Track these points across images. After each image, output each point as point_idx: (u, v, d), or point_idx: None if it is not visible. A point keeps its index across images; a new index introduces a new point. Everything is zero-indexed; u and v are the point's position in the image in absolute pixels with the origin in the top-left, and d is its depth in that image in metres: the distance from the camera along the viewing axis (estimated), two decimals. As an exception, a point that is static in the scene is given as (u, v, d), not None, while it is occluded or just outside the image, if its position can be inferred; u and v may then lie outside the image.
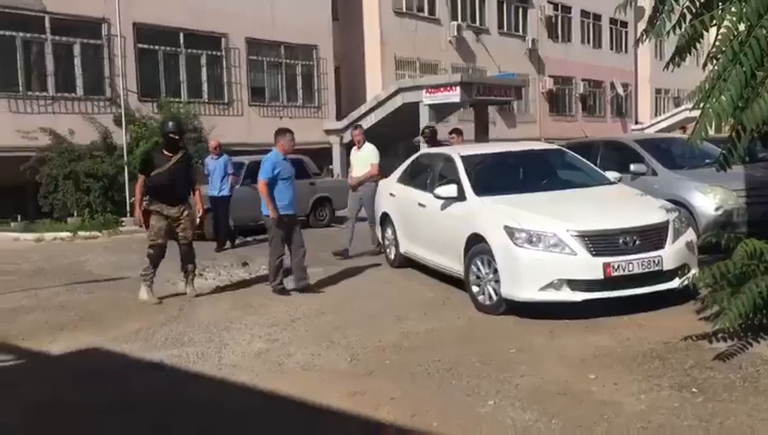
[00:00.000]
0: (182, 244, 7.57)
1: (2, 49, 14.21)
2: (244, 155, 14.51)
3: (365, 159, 9.93)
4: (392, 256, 8.98)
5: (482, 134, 20.74)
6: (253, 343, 5.75)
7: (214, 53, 18.00)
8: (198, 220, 7.77)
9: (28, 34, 14.59)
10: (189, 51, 17.45)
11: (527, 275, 6.14)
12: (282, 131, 7.83)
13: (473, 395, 4.50)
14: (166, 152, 7.44)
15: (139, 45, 16.28)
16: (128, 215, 13.80)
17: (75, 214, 14.05)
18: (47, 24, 14.78)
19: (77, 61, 15.35)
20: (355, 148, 10.22)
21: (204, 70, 17.83)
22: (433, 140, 11.05)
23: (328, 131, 20.35)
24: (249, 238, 12.36)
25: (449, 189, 7.27)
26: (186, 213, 7.51)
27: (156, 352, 5.58)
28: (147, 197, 7.40)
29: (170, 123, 7.70)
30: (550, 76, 30.51)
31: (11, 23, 14.22)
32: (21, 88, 14.45)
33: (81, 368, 5.34)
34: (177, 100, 16.49)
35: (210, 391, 4.77)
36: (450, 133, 10.78)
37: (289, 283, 7.73)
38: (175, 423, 4.25)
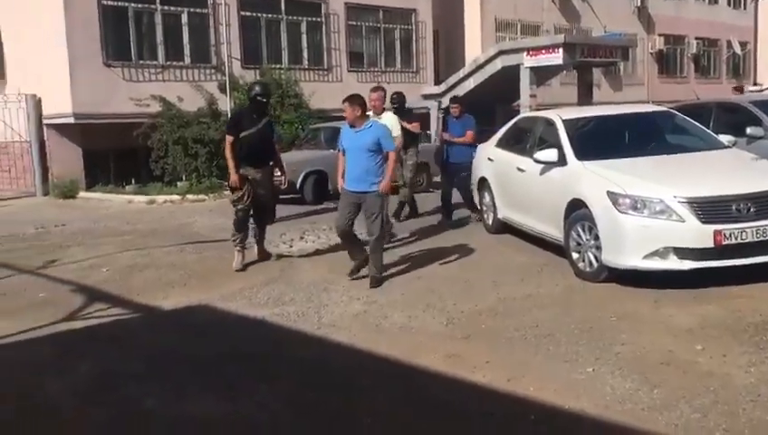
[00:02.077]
0: (262, 202, 7.47)
1: (115, 20, 14.85)
2: (343, 121, 14.69)
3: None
4: (490, 222, 8.90)
5: (585, 97, 20.04)
6: (351, 305, 5.87)
7: (314, 19, 18.16)
8: (285, 184, 7.88)
9: (139, 5, 15.16)
10: (290, 17, 17.66)
11: (631, 243, 5.95)
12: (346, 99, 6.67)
13: (570, 362, 4.44)
14: (254, 116, 7.37)
15: (242, 13, 16.61)
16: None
17: (184, 178, 14.66)
18: (156, -4, 15.34)
19: (184, 30, 15.85)
20: (370, 115, 7.57)
21: (304, 36, 18.02)
22: (401, 109, 9.87)
23: (426, 96, 20.18)
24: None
25: (549, 154, 7.10)
26: (267, 176, 7.48)
27: (259, 310, 5.79)
28: None
29: (257, 86, 7.57)
30: (660, 35, 28.98)
31: (122, -6, 14.85)
32: (133, 57, 15.08)
33: (191, 322, 5.62)
34: (278, 66, 16.79)
35: (310, 348, 4.92)
36: (452, 102, 9.99)
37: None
38: (280, 375, 4.42)
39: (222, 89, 15.76)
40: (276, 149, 7.78)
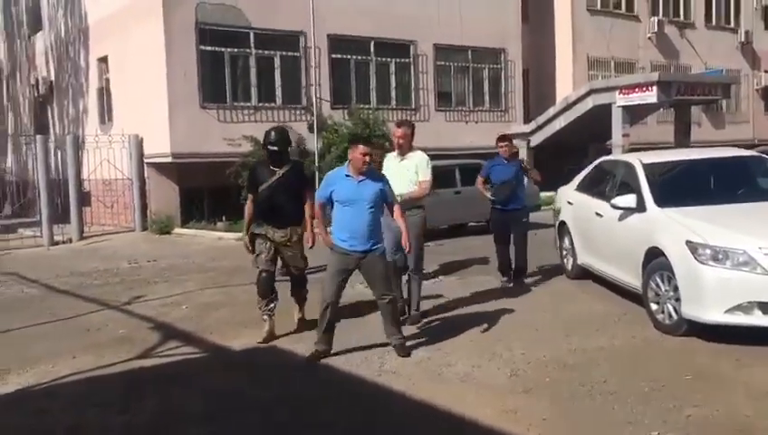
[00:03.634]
0: (293, 272, 6.60)
1: (212, 64, 15.59)
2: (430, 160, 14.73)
3: (410, 172, 6.63)
4: (569, 267, 8.64)
5: (683, 136, 19.33)
6: (416, 351, 5.79)
7: (402, 60, 18.42)
8: (310, 243, 6.37)
9: (235, 50, 15.87)
10: (379, 59, 17.99)
11: (712, 296, 5.63)
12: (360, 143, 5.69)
13: (634, 423, 4.21)
14: (271, 166, 6.37)
15: (333, 55, 17.07)
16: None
17: (272, 216, 15.04)
18: (252, 40, 15.99)
19: (277, 72, 16.45)
20: (394, 154, 6.79)
21: (392, 77, 18.30)
22: None
23: (514, 135, 20.01)
24: (429, 244, 12.47)
25: (628, 199, 6.86)
26: (295, 238, 6.38)
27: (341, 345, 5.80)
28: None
29: (272, 133, 6.39)
30: (766, 71, 27.67)
31: (221, 39, 15.56)
32: (228, 99, 15.76)
33: (256, 364, 5.70)
34: (366, 106, 17.10)
35: (367, 395, 4.89)
36: (500, 141, 8.48)
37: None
38: (333, 421, 4.40)
39: (311, 129, 16.18)
40: (308, 204, 6.40)
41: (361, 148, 5.57)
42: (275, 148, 6.34)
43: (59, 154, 17.12)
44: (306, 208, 6.41)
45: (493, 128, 19.07)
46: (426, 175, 6.63)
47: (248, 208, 6.48)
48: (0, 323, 7.31)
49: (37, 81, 20.72)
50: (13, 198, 21.69)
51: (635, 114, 18.38)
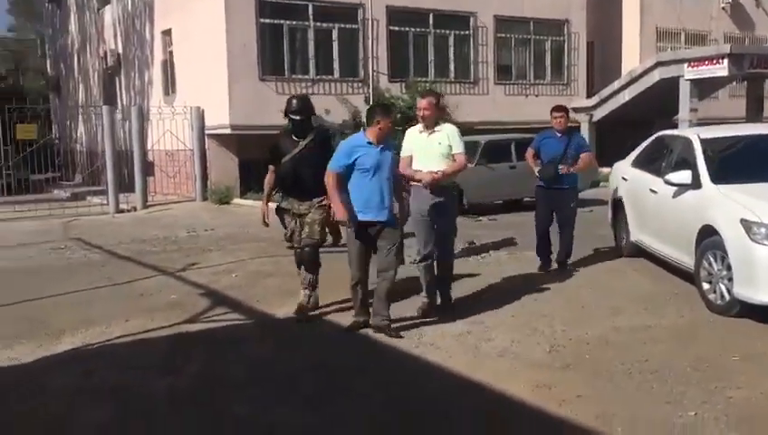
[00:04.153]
0: (304, 244, 6.14)
1: (271, 37, 15.73)
2: (487, 134, 14.59)
3: (442, 146, 5.93)
4: (622, 245, 8.45)
5: (755, 112, 18.55)
6: (455, 325, 5.79)
7: (462, 32, 18.16)
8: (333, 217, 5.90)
9: (293, 22, 15.97)
10: (438, 31, 17.79)
11: (765, 276, 5.43)
12: (378, 111, 5.68)
13: (673, 403, 4.12)
14: (294, 137, 6.14)
15: (391, 28, 16.97)
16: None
17: (328, 187, 15.17)
18: (310, 12, 16.04)
19: (335, 45, 16.47)
20: (419, 127, 6.06)
21: (451, 49, 18.07)
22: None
23: (576, 109, 19.52)
24: (482, 218, 12.41)
25: (683, 175, 6.64)
26: (314, 209, 6.08)
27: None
28: (277, 191, 6.37)
29: (293, 101, 6.12)
30: None
31: (280, 12, 15.67)
32: (286, 72, 15.89)
33: (297, 332, 5.80)
34: (423, 79, 16.97)
35: (402, 367, 4.92)
36: (554, 112, 7.79)
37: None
38: (367, 392, 4.45)
39: (367, 102, 16.18)
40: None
41: (391, 118, 5.71)
42: (297, 117, 6.07)
43: (125, 125, 17.63)
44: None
45: (554, 102, 18.62)
46: (460, 147, 5.99)
47: (268, 179, 6.31)
48: (62, 286, 7.64)
49: (106, 53, 21.33)
50: (83, 167, 22.54)
51: (704, 88, 17.70)
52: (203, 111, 16.09)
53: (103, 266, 8.86)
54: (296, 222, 6.16)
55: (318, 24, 16.19)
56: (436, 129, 5.97)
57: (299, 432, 3.87)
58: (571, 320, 5.86)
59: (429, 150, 5.94)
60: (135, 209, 15.32)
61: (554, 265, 7.85)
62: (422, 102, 6.00)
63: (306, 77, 16.08)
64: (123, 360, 5.20)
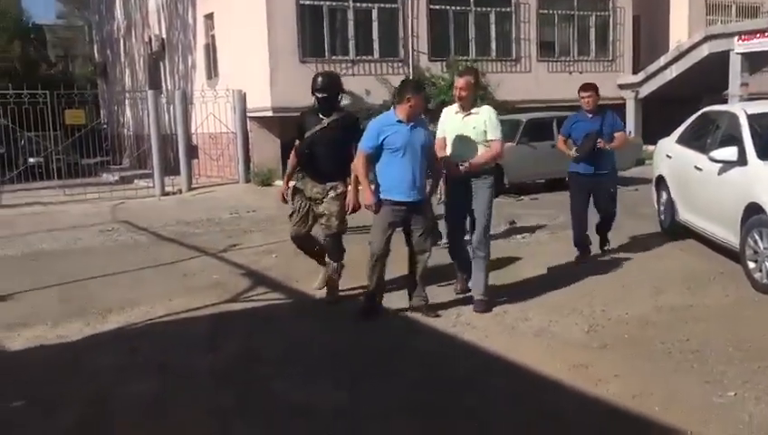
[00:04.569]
0: (324, 234, 5.94)
1: (311, 18, 15.76)
2: (529, 112, 14.42)
3: (478, 130, 5.55)
4: (666, 224, 8.28)
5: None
6: (495, 302, 5.76)
7: (503, 9, 17.92)
8: (349, 209, 5.72)
9: (333, 3, 15.96)
10: (479, 9, 17.59)
11: (813, 254, 5.29)
12: (409, 87, 5.44)
13: (713, 383, 4.06)
14: (320, 115, 5.84)
15: (431, 6, 16.84)
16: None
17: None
18: (350, -8, 16.05)
19: (374, 25, 16.42)
20: (454, 109, 5.71)
21: (492, 27, 17.86)
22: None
23: (621, 86, 19.19)
24: (523, 197, 12.30)
25: (728, 152, 6.47)
26: (332, 195, 5.79)
27: (404, 302, 5.81)
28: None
29: (319, 79, 5.84)
30: None
31: (320, -7, 15.72)
32: (326, 53, 15.92)
33: (335, 312, 5.84)
34: (464, 58, 16.81)
35: (438, 346, 4.94)
36: (581, 91, 7.17)
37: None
38: (402, 370, 4.48)
39: (408, 82, 16.11)
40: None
41: (423, 95, 5.50)
42: (323, 94, 5.77)
43: (170, 109, 17.92)
44: (352, 167, 5.62)
45: (598, 78, 18.23)
46: (496, 133, 5.55)
47: (291, 157, 6.09)
48: (109, 266, 7.85)
49: (150, 38, 21.65)
50: (131, 150, 23.01)
51: (756, 62, 17.15)
52: (245, 93, 16.25)
53: (148, 248, 9.07)
54: (304, 204, 5.89)
55: (358, 4, 16.16)
56: (473, 111, 5.59)
57: (333, 409, 3.92)
58: (612, 300, 5.79)
59: (463, 134, 5.58)
60: (180, 192, 15.61)
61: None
62: (459, 81, 5.59)
63: (346, 58, 16.08)
64: (166, 338, 5.33)
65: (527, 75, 18.08)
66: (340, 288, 6.12)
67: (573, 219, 7.29)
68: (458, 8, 17.35)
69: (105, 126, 25.31)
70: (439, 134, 5.78)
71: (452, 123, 5.68)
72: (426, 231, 5.51)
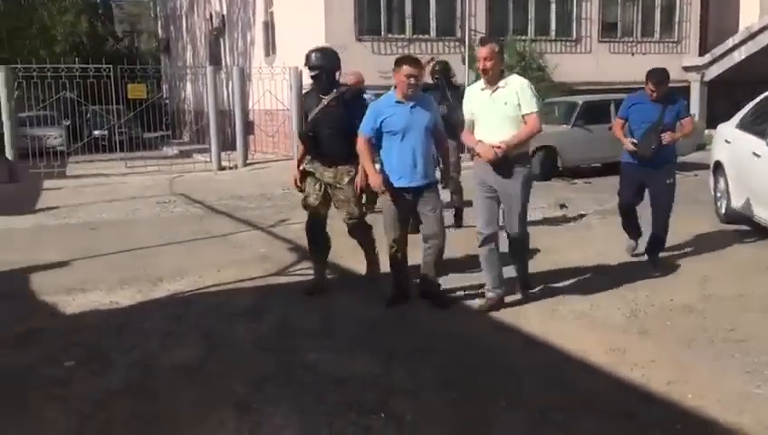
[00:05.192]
0: (346, 222, 5.71)
1: (367, -5, 15.80)
2: (588, 94, 14.16)
3: (509, 106, 4.85)
4: (722, 211, 8.06)
5: None
6: (540, 285, 5.71)
7: (565, -13, 17.59)
8: (356, 192, 5.46)
9: (391, -19, 15.96)
10: (539, -13, 17.31)
11: None
12: (398, 61, 5.03)
13: (753, 373, 3.98)
14: (321, 94, 5.50)
15: (491, -15, 16.66)
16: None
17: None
18: (408, -29, 15.97)
19: (432, 3, 16.31)
20: (480, 84, 5.02)
21: (552, 6, 17.53)
22: (444, 82, 7.68)
23: (687, 68, 18.62)
24: (576, 181, 12.13)
25: (787, 138, 6.25)
26: (346, 180, 5.46)
27: (447, 283, 5.81)
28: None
29: (312, 56, 5.40)
30: None
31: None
32: (383, 31, 15.92)
33: (377, 288, 5.89)
34: (522, 38, 16.57)
35: (475, 327, 4.94)
36: (653, 78, 6.07)
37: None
38: (438, 348, 4.51)
39: (464, 61, 15.99)
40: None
41: (405, 68, 4.88)
42: (315, 72, 5.40)
43: (229, 85, 18.22)
44: (357, 148, 5.33)
45: (662, 60, 17.74)
46: (532, 106, 4.82)
47: (302, 142, 5.75)
48: (163, 237, 8.12)
49: (211, 15, 22.02)
50: (190, 125, 23.52)
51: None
52: (301, 71, 16.34)
53: (202, 220, 9.32)
54: (319, 186, 5.58)
55: (416, -19, 16.08)
56: (500, 84, 4.84)
57: (366, 382, 3.99)
58: (658, 286, 5.70)
59: (493, 113, 4.87)
60: (236, 167, 15.91)
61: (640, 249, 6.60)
62: (482, 51, 4.81)
63: (402, 36, 16.06)
64: (213, 308, 5.49)
65: (587, 56, 17.72)
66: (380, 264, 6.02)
67: (621, 212, 6.63)
68: (518, -13, 17.09)
69: (167, 101, 25.91)
70: (467, 116, 5.10)
71: (479, 102, 4.97)
72: (436, 214, 5.10)
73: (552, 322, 4.94)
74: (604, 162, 12.97)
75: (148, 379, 4.16)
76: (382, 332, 4.84)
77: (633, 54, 18.23)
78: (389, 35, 15.95)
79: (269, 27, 18.45)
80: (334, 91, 5.44)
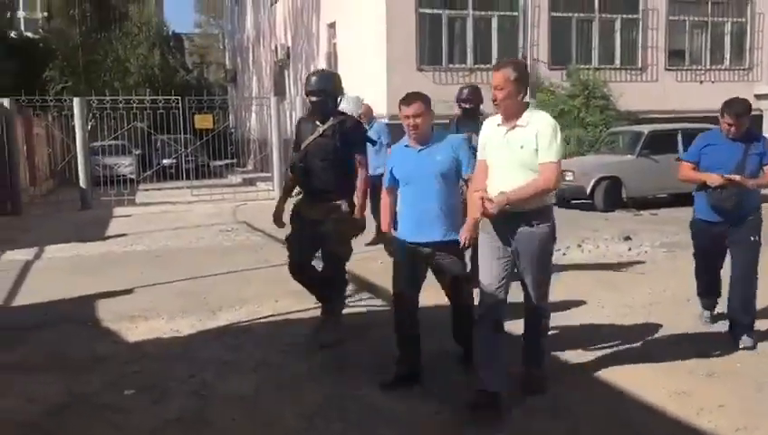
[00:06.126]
0: (324, 260, 5.25)
1: (430, 27, 15.88)
2: (654, 123, 13.87)
3: (526, 150, 3.90)
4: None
5: None
6: (595, 326, 5.56)
7: (630, 15, 17.31)
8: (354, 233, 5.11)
9: (452, 11, 16.01)
10: (604, 15, 17.09)
11: None
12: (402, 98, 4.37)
13: (830, 422, 3.75)
14: (317, 122, 5.07)
15: (553, 14, 16.53)
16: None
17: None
18: (470, 1, 16.01)
19: (493, 33, 16.32)
20: (497, 119, 4.04)
21: (617, 34, 17.29)
22: (471, 110, 6.85)
23: (759, 96, 18.00)
24: (642, 212, 11.83)
25: None
26: (333, 216, 5.00)
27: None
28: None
29: (312, 79, 5.03)
30: None
31: (440, 2, 15.80)
32: (444, 61, 15.98)
33: (429, 321, 5.80)
34: (586, 66, 16.38)
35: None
36: (725, 110, 4.93)
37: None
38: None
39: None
40: (358, 173, 5.04)
41: (402, 109, 4.25)
42: (314, 97, 4.97)
43: (292, 114, 18.56)
44: (358, 183, 4.98)
45: (732, 88, 17.26)
46: (549, 154, 3.84)
47: (287, 174, 5.23)
48: (224, 265, 8.27)
49: (276, 47, 22.56)
50: (255, 154, 24.03)
51: None
52: (362, 100, 16.54)
53: (261, 249, 9.45)
54: (301, 226, 5.16)
55: (477, 12, 16.12)
56: (519, 121, 3.90)
57: (421, 415, 3.94)
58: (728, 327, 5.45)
59: (506, 156, 3.94)
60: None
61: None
62: (494, 78, 3.90)
63: (463, 66, 16.08)
64: (269, 338, 5.52)
65: (653, 84, 17.36)
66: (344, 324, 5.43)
67: (697, 271, 5.55)
68: (582, 15, 16.93)
69: (233, 130, 26.57)
70: (480, 155, 4.18)
71: (492, 141, 4.06)
72: (458, 279, 4.40)
73: (615, 362, 4.77)
74: (670, 193, 12.65)
75: (204, 408, 4.20)
76: (433, 364, 4.74)
77: (701, 82, 17.77)
78: (450, 65, 15.99)
79: (332, 58, 18.77)
80: (331, 119, 4.99)
